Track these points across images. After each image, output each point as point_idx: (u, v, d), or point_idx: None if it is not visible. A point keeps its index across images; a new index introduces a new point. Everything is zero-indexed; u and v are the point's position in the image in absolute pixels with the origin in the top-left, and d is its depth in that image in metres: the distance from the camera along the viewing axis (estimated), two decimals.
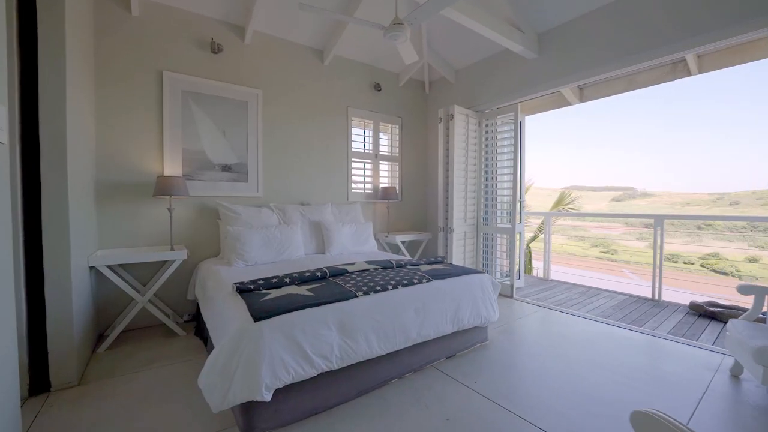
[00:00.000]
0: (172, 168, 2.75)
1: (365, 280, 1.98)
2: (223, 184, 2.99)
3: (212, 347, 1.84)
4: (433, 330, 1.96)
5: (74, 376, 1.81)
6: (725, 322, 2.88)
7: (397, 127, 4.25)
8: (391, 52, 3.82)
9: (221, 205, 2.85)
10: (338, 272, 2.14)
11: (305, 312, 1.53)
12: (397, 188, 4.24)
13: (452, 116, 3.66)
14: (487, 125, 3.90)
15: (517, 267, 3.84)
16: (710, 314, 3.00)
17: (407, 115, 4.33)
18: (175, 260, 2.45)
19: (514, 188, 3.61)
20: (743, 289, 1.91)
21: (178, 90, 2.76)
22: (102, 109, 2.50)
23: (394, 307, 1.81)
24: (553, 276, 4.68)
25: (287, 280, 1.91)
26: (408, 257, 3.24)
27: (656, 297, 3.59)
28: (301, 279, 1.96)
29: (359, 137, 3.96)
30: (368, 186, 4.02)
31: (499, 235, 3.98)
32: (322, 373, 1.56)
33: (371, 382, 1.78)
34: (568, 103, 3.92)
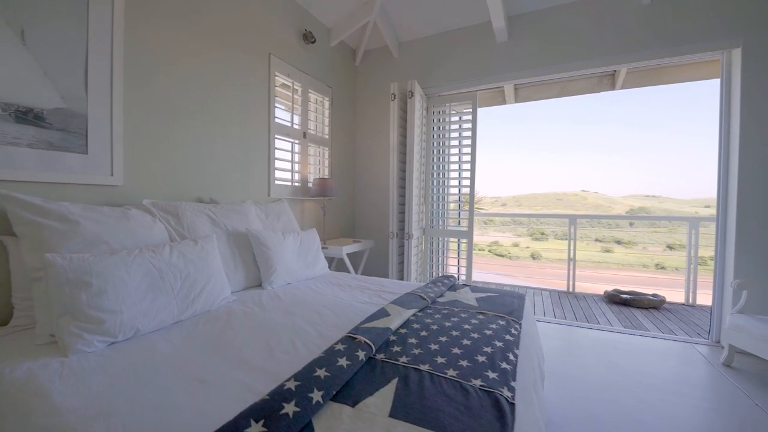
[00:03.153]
0: None
1: (452, 351, 1.05)
2: (21, 152, 1.29)
3: None
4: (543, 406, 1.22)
5: None
6: (638, 308, 3.36)
7: (328, 100, 3.19)
8: None
9: (17, 201, 1.19)
10: (382, 339, 1.09)
11: None
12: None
13: (412, 94, 2.95)
14: (436, 113, 3.39)
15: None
16: (623, 301, 3.46)
17: (337, 88, 3.32)
18: None
19: (471, 187, 3.23)
20: (738, 285, 2.05)
21: None
22: None
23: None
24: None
25: (315, 395, 0.76)
26: (397, 280, 2.34)
27: (571, 290, 3.98)
28: (332, 378, 0.83)
29: (285, 101, 2.71)
30: (295, 176, 2.81)
31: (447, 239, 3.57)
32: None
33: None
34: (505, 102, 3.88)
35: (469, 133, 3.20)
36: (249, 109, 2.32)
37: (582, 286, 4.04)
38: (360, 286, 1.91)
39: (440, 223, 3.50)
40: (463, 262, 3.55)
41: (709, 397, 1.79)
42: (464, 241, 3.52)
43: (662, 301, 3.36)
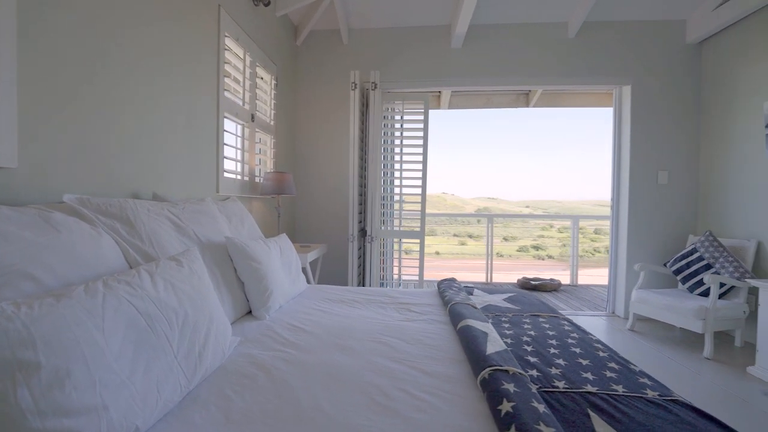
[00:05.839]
0: None
1: (582, 363, 0.96)
2: None
3: None
4: None
5: None
6: (545, 291, 4.02)
7: (273, 79, 2.66)
8: None
9: None
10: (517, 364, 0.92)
11: None
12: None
13: (375, 86, 2.75)
14: (385, 109, 3.25)
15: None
16: (533, 287, 4.09)
17: (281, 66, 2.81)
18: None
19: (423, 187, 3.23)
20: (640, 267, 2.66)
21: None
22: None
23: None
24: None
25: None
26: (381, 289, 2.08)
27: (490, 281, 4.47)
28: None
29: (232, 71, 2.10)
30: (244, 168, 2.23)
31: (393, 240, 3.48)
32: None
33: None
34: (439, 107, 4.05)
35: (420, 133, 3.19)
36: (195, 74, 1.69)
37: (497, 277, 4.61)
38: (369, 300, 1.63)
39: (389, 224, 3.39)
40: (413, 263, 3.54)
41: (639, 359, 2.22)
42: (407, 241, 3.54)
43: (559, 284, 4.14)
